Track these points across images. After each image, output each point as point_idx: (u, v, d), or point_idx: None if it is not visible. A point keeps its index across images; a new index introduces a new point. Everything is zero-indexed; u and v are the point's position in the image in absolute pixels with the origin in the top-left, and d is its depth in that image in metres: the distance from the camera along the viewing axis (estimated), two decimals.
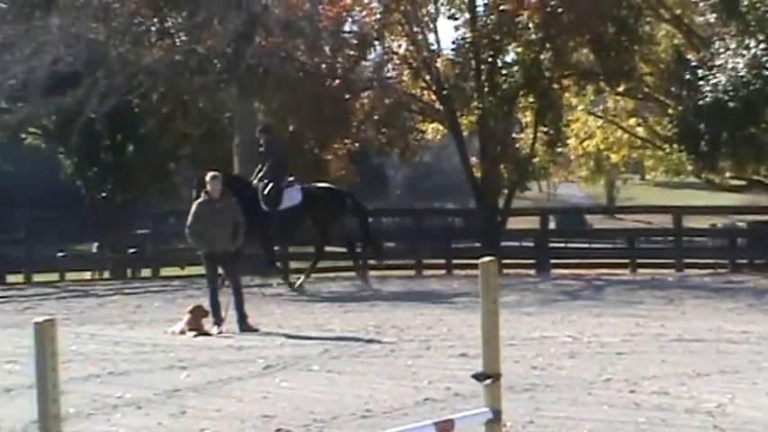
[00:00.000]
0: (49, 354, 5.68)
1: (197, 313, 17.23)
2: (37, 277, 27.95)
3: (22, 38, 28.19)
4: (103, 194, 34.53)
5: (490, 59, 33.76)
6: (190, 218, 17.74)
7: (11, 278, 28.30)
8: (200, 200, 17.85)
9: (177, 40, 30.58)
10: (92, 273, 30.93)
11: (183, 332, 17.04)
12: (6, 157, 45.76)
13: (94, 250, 31.80)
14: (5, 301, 23.60)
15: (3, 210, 34.57)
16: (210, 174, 18.11)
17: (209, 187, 17.75)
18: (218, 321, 17.35)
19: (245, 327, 17.34)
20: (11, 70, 28.40)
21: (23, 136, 38.59)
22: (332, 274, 27.92)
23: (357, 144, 37.03)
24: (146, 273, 29.65)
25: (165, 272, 28.99)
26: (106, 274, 30.53)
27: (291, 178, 25.09)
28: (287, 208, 24.49)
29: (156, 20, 31.30)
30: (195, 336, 16.77)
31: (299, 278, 25.06)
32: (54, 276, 28.58)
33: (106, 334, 17.32)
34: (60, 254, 30.56)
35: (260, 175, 24.76)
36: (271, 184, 24.41)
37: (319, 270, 26.49)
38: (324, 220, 24.88)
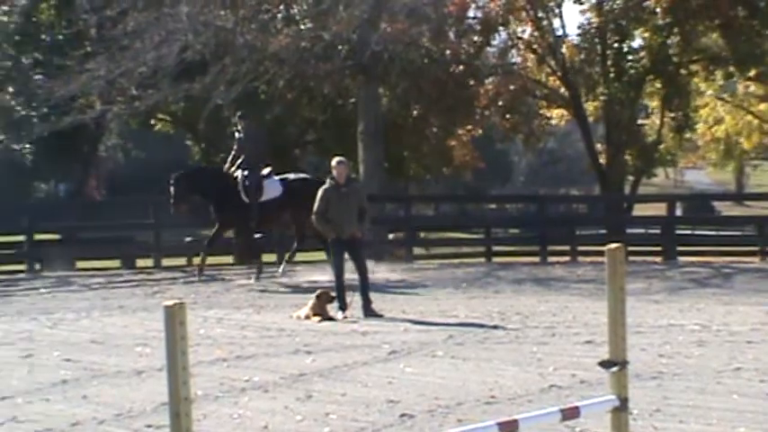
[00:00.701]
0: (178, 337, 5.77)
1: (322, 298, 17.35)
2: (165, 261, 28.40)
3: (152, 26, 28.68)
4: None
5: (616, 45, 33.47)
6: (317, 203, 17.85)
7: (140, 262, 28.80)
8: (326, 185, 17.95)
9: (303, 26, 30.83)
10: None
11: (308, 317, 17.17)
12: (138, 144, 46.63)
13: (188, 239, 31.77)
14: (136, 285, 24.03)
15: (134, 195, 35.20)
16: (336, 159, 18.18)
17: (334, 172, 17.84)
18: (343, 306, 17.45)
19: (369, 312, 17.40)
20: (141, 58, 28.89)
21: (153, 122, 39.33)
22: (456, 261, 27.88)
23: (481, 130, 36.95)
24: (272, 258, 29.90)
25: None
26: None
27: (269, 169, 24.55)
28: (269, 199, 24.12)
29: (282, 7, 31.62)
30: (320, 321, 16.89)
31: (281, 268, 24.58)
32: (182, 261, 29.04)
33: (233, 318, 17.54)
34: (188, 239, 31.03)
35: (238, 163, 24.28)
36: (249, 174, 24.09)
37: (443, 256, 26.42)
38: (304, 212, 21.72)
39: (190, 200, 24.47)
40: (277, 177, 24.54)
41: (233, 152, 24.56)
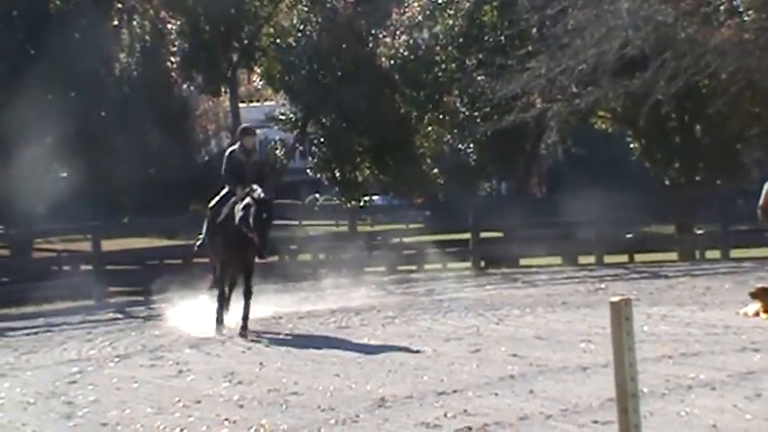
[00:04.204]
0: (624, 333, 5.81)
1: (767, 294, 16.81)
2: (607, 258, 28.39)
3: (592, 23, 28.79)
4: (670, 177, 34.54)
5: None
6: (762, 198, 17.31)
7: (582, 259, 28.95)
8: None
9: (746, 18, 29.96)
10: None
11: (756, 314, 16.70)
12: (577, 141, 46.87)
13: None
14: (578, 281, 24.19)
15: (575, 192, 35.41)
16: None
17: None
18: None
19: None
20: (581, 55, 29.06)
21: (593, 120, 39.40)
22: None
23: None
24: (714, 254, 29.28)
25: (734, 253, 28.45)
26: (674, 256, 30.46)
27: None
28: None
29: None
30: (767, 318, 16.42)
31: None
32: (623, 258, 28.95)
33: (677, 315, 17.32)
34: (628, 235, 30.91)
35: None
36: None
37: None
38: None
39: None
40: None
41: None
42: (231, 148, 18.17)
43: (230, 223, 17.27)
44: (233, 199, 17.54)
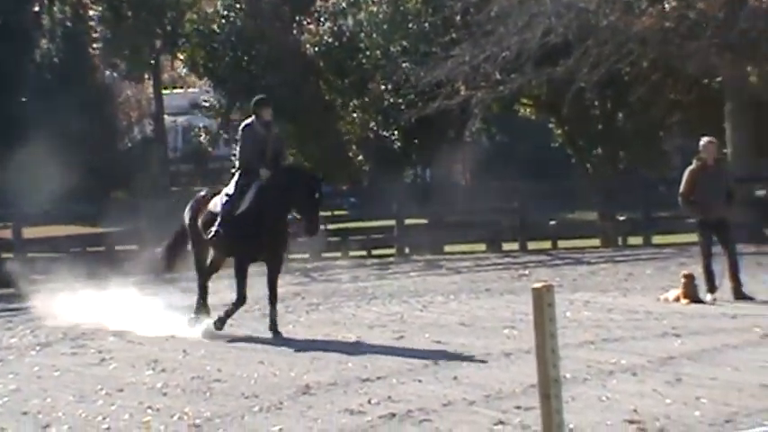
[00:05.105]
0: (547, 319, 5.84)
1: (689, 281, 17.03)
2: (531, 245, 28.56)
3: (515, 10, 28.91)
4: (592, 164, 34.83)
5: None
6: (683, 184, 17.52)
7: (506, 246, 29.09)
8: (692, 166, 17.57)
9: (667, 5, 30.25)
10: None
11: (676, 299, 16.92)
12: (502, 128, 47.04)
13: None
14: (502, 268, 24.32)
15: (498, 180, 35.59)
16: (706, 138, 17.76)
17: (703, 152, 17.44)
18: (712, 289, 17.07)
19: (739, 295, 16.95)
20: (505, 42, 29.16)
21: (517, 107, 39.61)
22: None
23: None
24: (636, 240, 29.57)
25: (656, 240, 28.76)
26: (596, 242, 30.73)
27: None
28: None
29: None
30: (688, 303, 16.61)
31: None
32: (546, 244, 29.18)
33: (599, 301, 17.47)
34: (552, 222, 31.16)
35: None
36: None
37: None
38: None
39: None
40: None
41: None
42: (246, 122, 16.22)
43: (256, 213, 15.34)
44: (256, 184, 15.53)
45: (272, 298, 15.52)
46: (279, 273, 15.99)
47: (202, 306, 16.26)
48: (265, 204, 15.39)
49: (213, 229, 15.65)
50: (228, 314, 15.76)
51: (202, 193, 16.99)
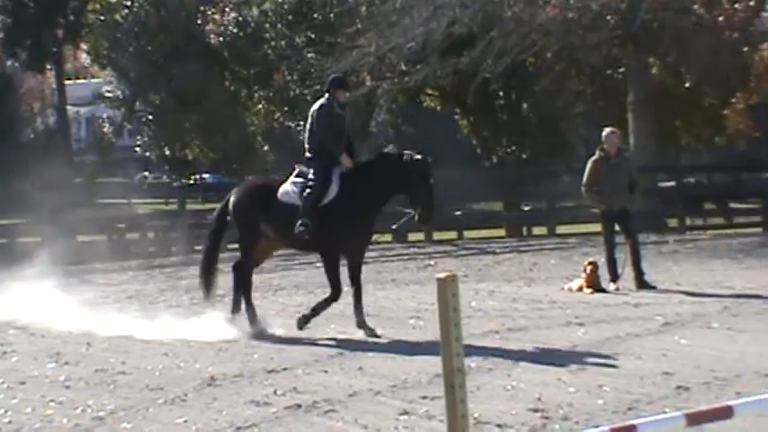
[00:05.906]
0: (451, 309, 5.84)
1: (593, 270, 17.21)
2: (437, 235, 28.63)
3: (420, 1, 28.96)
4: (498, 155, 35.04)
5: None
6: (586, 175, 17.68)
7: (412, 236, 29.13)
8: (595, 156, 17.75)
9: None
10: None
11: (580, 288, 17.09)
12: (407, 119, 47.14)
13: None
14: (408, 258, 24.37)
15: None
16: (608, 129, 17.94)
17: (605, 143, 17.62)
18: (615, 278, 17.28)
19: (641, 284, 17.17)
20: (410, 33, 29.22)
21: (422, 98, 39.72)
22: (730, 231, 27.18)
23: (757, 98, 35.74)
24: (541, 231, 29.82)
25: (560, 230, 29.03)
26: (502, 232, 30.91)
27: None
28: None
29: None
30: (591, 293, 16.79)
31: None
32: (452, 234, 29.26)
33: (504, 291, 17.59)
34: (457, 212, 31.27)
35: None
36: None
37: (717, 227, 25.79)
38: None
39: None
40: None
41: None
42: (321, 102, 14.67)
43: (350, 204, 14.17)
44: (336, 172, 14.32)
45: (358, 295, 14.25)
46: (362, 261, 14.96)
47: (249, 304, 14.80)
48: (360, 193, 14.27)
49: (300, 222, 14.01)
50: (316, 311, 14.41)
51: (258, 182, 15.56)
